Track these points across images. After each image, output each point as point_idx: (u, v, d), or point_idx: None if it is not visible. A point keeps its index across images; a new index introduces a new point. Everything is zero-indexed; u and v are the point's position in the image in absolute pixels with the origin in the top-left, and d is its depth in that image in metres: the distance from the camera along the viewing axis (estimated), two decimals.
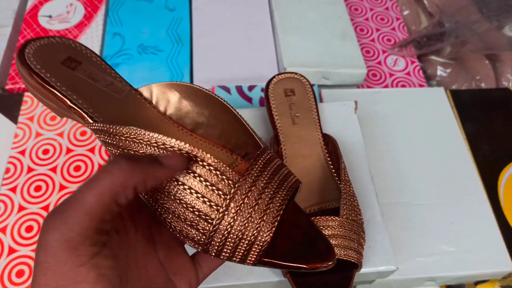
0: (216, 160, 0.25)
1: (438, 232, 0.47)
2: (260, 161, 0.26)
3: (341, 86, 0.60)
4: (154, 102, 0.34)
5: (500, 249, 0.46)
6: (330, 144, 0.41)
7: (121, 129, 0.25)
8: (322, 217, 0.35)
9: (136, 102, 0.33)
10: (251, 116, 0.47)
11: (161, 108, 0.34)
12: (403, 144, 0.52)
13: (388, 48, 0.66)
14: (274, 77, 0.44)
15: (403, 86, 0.62)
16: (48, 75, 0.31)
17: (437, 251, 0.45)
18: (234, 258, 0.25)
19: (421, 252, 0.45)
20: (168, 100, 0.33)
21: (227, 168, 0.25)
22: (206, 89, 0.31)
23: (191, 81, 0.58)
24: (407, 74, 0.63)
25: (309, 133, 0.41)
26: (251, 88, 0.56)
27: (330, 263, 0.25)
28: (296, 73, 0.44)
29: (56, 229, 0.18)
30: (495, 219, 0.48)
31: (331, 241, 0.34)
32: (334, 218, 0.35)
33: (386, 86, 0.62)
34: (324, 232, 0.34)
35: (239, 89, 0.56)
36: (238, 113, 0.31)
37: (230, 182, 0.25)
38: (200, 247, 0.25)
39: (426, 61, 0.66)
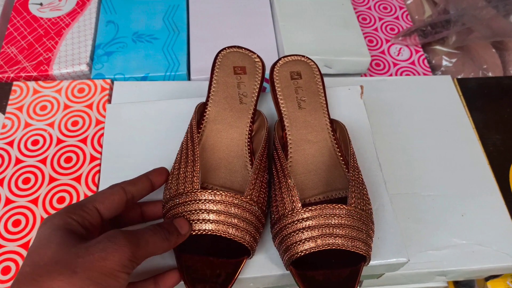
0: None
1: (449, 224, 0.45)
2: None
3: (344, 75, 0.58)
4: None
5: None
6: (338, 130, 0.39)
7: None
8: (329, 205, 0.32)
9: None
10: None
11: None
12: (410, 133, 0.50)
13: (392, 37, 0.64)
14: (280, 59, 0.42)
15: (407, 75, 0.60)
16: None
17: (448, 244, 0.43)
18: None
19: (432, 245, 0.43)
20: None
21: None
22: None
23: (188, 69, 0.55)
24: (412, 63, 0.61)
25: (316, 118, 0.39)
26: None
27: None
28: (303, 56, 0.42)
29: None
30: (507, 210, 0.46)
31: (337, 231, 0.32)
32: (341, 207, 0.32)
33: (390, 76, 0.60)
34: (330, 221, 0.32)
35: None
36: None
37: None
38: None
39: (431, 51, 0.64)
